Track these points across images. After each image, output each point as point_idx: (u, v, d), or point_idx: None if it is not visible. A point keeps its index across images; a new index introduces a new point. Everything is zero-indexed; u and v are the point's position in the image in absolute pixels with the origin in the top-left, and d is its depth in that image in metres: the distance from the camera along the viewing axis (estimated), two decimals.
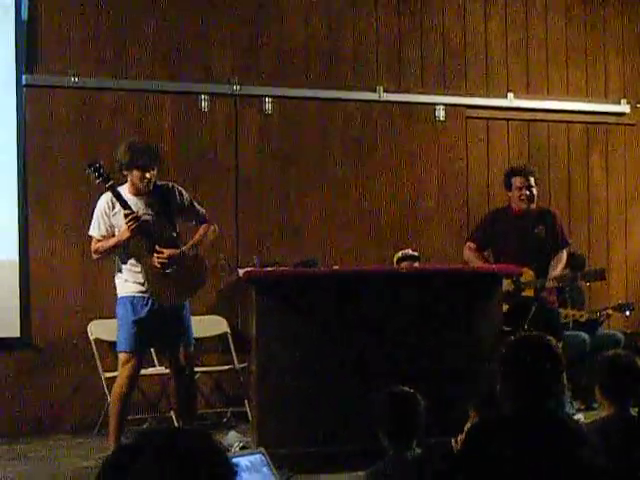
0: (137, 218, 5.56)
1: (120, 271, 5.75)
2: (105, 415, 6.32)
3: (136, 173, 5.61)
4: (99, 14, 7.39)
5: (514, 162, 8.19)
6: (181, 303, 5.80)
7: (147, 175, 5.61)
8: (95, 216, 5.74)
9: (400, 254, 7.25)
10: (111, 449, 5.63)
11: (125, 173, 5.68)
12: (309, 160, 7.93)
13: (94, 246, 5.74)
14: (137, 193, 5.70)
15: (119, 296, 5.74)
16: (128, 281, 5.70)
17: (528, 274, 6.53)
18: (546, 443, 3.01)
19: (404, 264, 7.02)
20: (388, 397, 3.90)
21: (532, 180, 6.72)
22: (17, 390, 7.06)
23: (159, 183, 5.83)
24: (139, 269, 5.66)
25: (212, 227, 6.00)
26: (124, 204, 5.57)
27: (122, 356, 5.71)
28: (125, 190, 5.70)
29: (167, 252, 5.62)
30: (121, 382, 5.70)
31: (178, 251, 5.70)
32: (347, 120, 8.04)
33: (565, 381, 6.55)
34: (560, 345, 6.47)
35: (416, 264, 7.06)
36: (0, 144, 7.08)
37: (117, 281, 5.78)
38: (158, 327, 5.65)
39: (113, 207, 5.68)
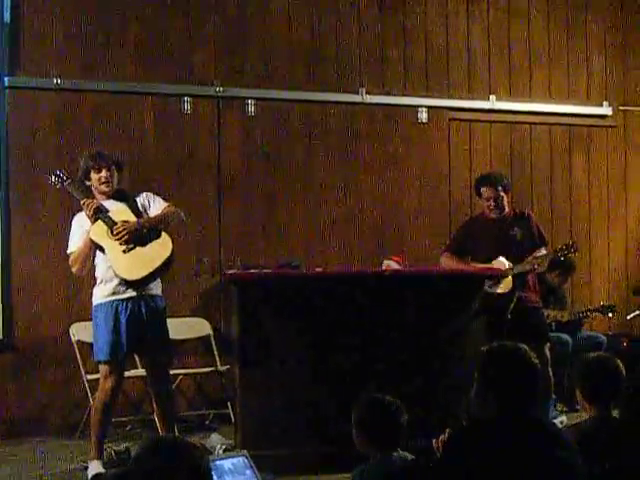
0: (92, 202, 5.60)
1: (98, 279, 5.69)
2: (88, 417, 6.28)
3: (93, 176, 5.70)
4: (81, 16, 7.37)
5: (496, 164, 8.25)
6: (162, 307, 5.74)
7: (102, 174, 5.67)
8: (71, 235, 5.74)
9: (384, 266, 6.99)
10: (92, 457, 5.63)
11: (88, 184, 5.73)
12: (292, 162, 7.93)
13: (71, 258, 5.69)
14: (103, 198, 5.72)
15: (99, 302, 5.63)
16: (102, 284, 5.62)
17: (504, 263, 6.52)
18: (526, 448, 3.02)
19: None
20: (370, 405, 3.92)
21: (500, 189, 6.65)
22: None
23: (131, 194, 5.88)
24: (109, 263, 5.59)
25: (173, 208, 5.84)
26: (83, 195, 5.65)
27: (103, 368, 5.61)
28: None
29: (121, 223, 5.56)
30: (103, 395, 5.61)
31: (134, 220, 5.64)
32: (330, 122, 8.05)
33: (552, 386, 6.58)
34: (548, 345, 6.54)
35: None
36: None
37: (95, 290, 5.71)
38: (138, 333, 5.58)
39: (84, 219, 5.70)
